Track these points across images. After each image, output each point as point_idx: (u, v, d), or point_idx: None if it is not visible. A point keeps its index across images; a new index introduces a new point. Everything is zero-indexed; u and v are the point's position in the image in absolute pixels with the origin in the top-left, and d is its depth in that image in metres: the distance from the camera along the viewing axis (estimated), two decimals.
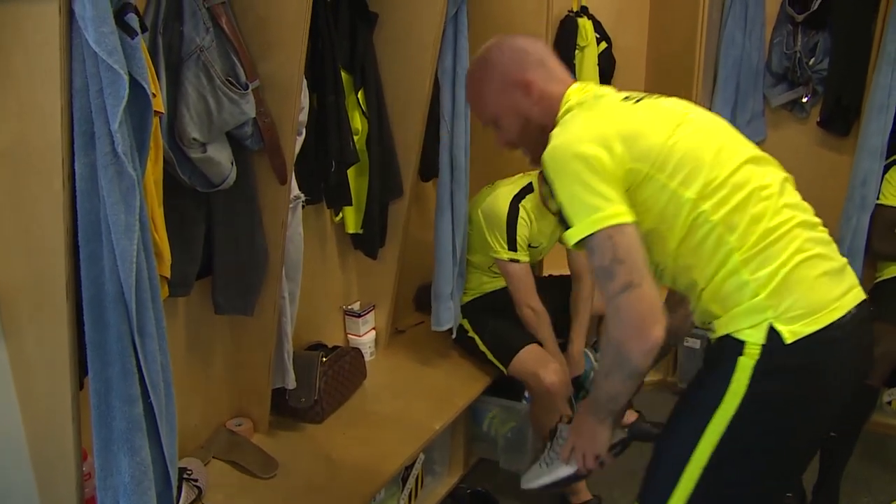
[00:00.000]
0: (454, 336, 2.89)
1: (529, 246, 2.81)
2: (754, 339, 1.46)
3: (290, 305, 2.33)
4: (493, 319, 2.88)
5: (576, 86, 1.70)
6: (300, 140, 2.25)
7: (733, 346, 1.48)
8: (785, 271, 1.45)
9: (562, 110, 1.66)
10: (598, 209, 1.44)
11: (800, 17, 3.37)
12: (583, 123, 1.57)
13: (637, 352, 1.45)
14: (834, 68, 3.38)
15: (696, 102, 3.16)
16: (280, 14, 1.96)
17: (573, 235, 1.46)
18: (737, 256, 1.46)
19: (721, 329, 1.51)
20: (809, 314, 1.45)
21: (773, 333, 1.45)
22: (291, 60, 2.00)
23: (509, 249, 2.74)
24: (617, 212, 1.44)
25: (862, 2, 3.17)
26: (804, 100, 3.54)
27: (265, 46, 1.99)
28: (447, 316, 2.80)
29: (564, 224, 1.52)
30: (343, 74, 2.47)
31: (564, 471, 1.79)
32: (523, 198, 2.77)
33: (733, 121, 3.52)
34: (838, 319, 1.46)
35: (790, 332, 1.44)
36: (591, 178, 1.45)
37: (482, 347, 2.86)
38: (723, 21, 3.44)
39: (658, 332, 1.43)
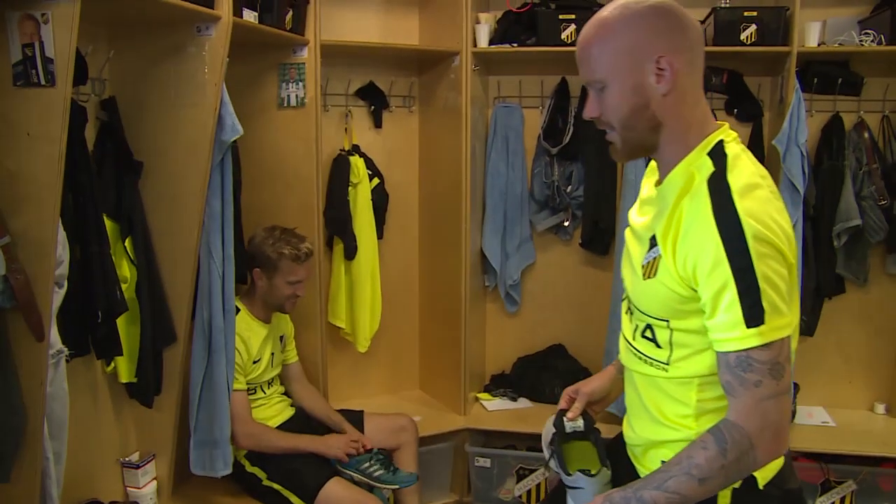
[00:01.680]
0: (229, 472, 2.79)
1: (254, 362, 2.86)
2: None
3: (55, 465, 2.21)
4: (282, 457, 2.83)
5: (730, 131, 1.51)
6: (61, 293, 2.18)
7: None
8: None
9: (728, 140, 1.47)
10: (784, 314, 1.33)
11: (554, 150, 3.64)
12: (780, 208, 1.40)
13: (768, 457, 1.37)
14: (588, 195, 3.67)
15: (466, 231, 3.43)
16: (31, 170, 1.96)
17: (758, 336, 1.31)
18: None
19: None
20: None
21: (749, 478, 1.45)
22: (45, 216, 1.99)
23: None
24: (790, 321, 1.37)
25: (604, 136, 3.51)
26: (566, 224, 3.81)
27: (16, 202, 1.96)
28: (227, 460, 2.73)
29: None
30: (109, 223, 2.45)
31: None
32: None
33: (504, 247, 3.76)
34: None
35: (762, 477, 1.47)
36: (783, 277, 1.34)
37: (274, 485, 2.79)
38: (487, 154, 3.70)
39: (787, 444, 1.40)
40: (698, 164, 1.43)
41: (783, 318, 1.33)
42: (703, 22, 3.39)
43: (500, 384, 3.90)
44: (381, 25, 3.59)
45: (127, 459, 2.77)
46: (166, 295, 2.65)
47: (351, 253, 3.45)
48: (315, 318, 3.26)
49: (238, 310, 2.83)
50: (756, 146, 3.56)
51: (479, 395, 3.83)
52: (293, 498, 2.77)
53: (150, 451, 2.82)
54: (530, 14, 3.44)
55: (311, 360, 3.27)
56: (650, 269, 1.46)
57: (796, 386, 3.55)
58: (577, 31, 3.33)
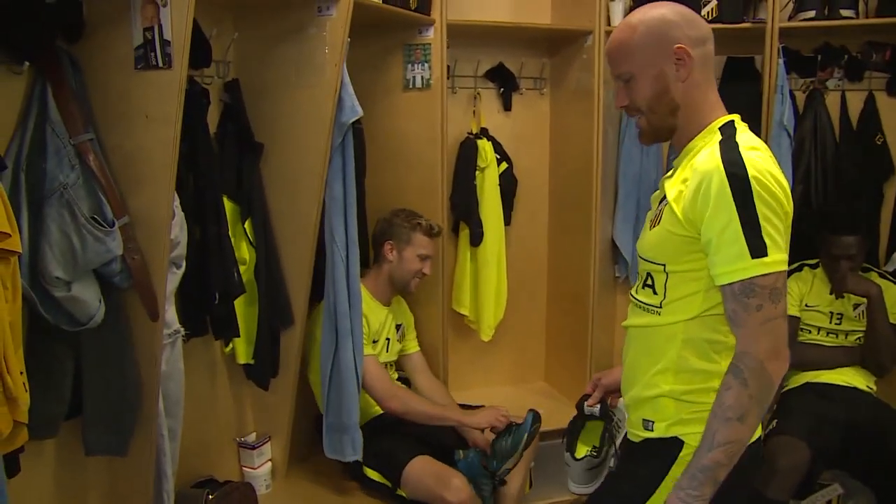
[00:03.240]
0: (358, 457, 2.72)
1: (373, 342, 2.82)
2: (695, 441, 1.59)
3: (170, 442, 2.25)
4: (379, 441, 2.77)
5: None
6: (179, 273, 2.21)
7: (673, 445, 1.66)
8: None
9: (722, 120, 1.65)
10: (782, 250, 1.51)
11: None
12: (777, 168, 1.57)
13: (778, 374, 1.50)
14: None
15: (596, 219, 3.27)
16: (147, 153, 1.98)
17: (762, 266, 1.47)
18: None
19: (665, 430, 1.68)
20: None
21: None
22: (160, 198, 2.00)
23: None
24: (786, 258, 1.53)
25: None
26: None
27: (133, 183, 1.99)
28: (356, 446, 2.67)
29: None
30: (229, 204, 2.48)
31: None
32: None
33: (636, 236, 3.56)
34: None
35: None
36: (781, 220, 1.52)
37: (368, 471, 2.75)
38: (620, 139, 3.52)
39: (788, 362, 1.52)
40: (711, 137, 1.62)
41: (782, 254, 1.50)
42: None
43: None
44: (511, 4, 3.47)
45: (243, 439, 2.80)
46: (284, 278, 2.65)
47: (477, 239, 3.37)
48: (437, 304, 3.19)
49: None
50: None
51: None
52: (382, 480, 2.73)
53: (266, 432, 2.85)
54: None
55: (433, 347, 3.21)
56: (657, 219, 1.66)
57: None
58: (719, 7, 3.13)
